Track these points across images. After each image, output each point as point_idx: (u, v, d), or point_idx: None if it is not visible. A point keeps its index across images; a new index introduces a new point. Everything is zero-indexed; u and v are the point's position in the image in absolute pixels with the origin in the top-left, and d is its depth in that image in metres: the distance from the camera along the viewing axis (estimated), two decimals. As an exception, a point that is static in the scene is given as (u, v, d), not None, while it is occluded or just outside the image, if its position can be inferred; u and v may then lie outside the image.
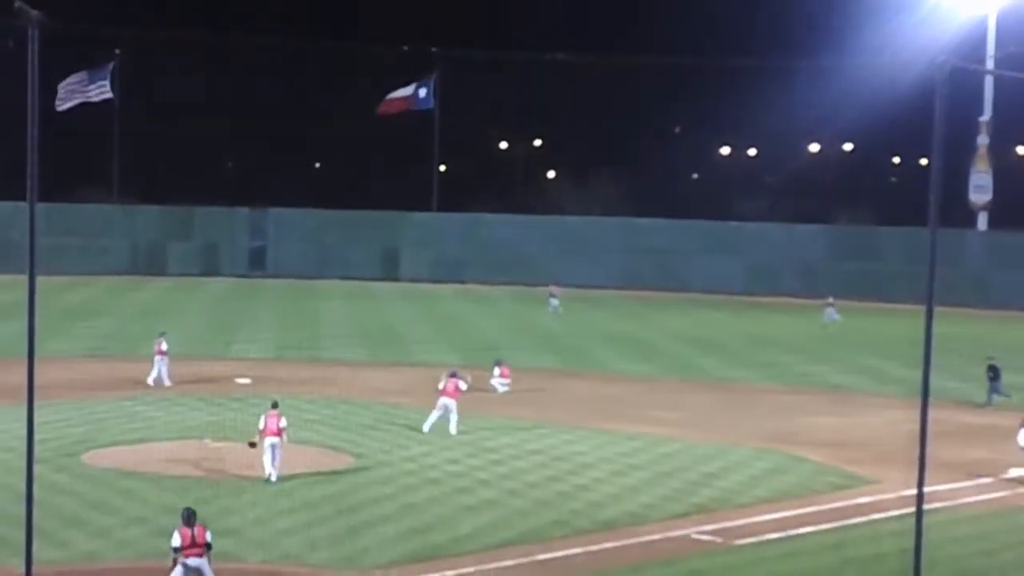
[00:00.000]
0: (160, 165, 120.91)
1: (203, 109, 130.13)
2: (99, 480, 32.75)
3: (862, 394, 51.74)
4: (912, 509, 22.30)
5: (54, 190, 72.26)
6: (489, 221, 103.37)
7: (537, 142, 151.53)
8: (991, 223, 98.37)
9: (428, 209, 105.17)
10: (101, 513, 29.36)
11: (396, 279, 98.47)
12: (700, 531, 29.58)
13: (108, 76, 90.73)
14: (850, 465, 37.28)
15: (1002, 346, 63.93)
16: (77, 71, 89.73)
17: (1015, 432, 36.93)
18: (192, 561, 22.27)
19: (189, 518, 22.51)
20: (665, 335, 70.15)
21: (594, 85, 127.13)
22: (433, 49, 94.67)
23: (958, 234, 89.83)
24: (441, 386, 40.27)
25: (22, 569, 20.14)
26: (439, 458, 36.40)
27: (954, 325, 65.34)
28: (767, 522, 30.56)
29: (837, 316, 77.39)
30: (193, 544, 22.29)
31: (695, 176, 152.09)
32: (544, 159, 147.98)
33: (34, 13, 18.68)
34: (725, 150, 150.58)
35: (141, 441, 37.84)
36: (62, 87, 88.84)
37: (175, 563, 22.37)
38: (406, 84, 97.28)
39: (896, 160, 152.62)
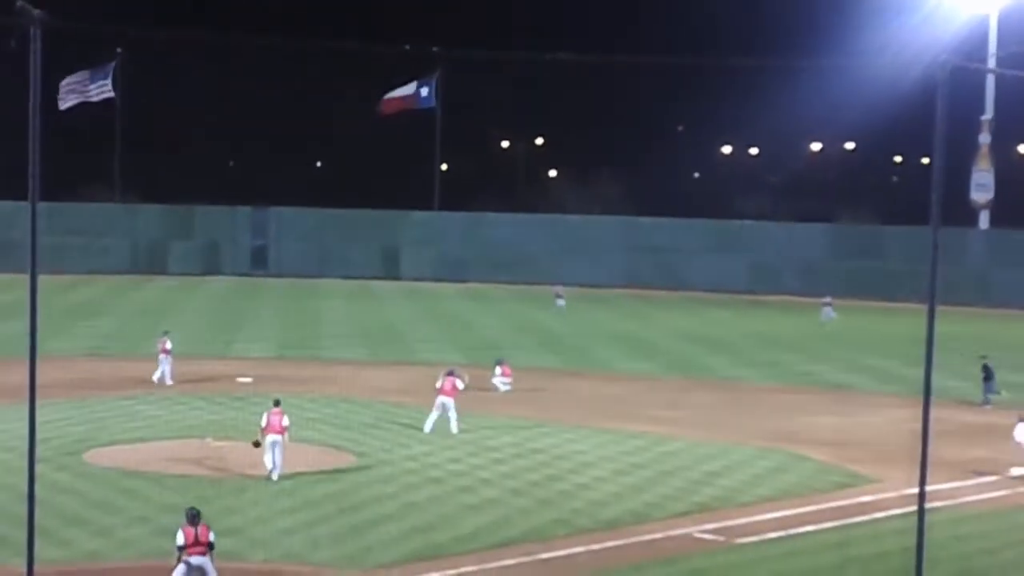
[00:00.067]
0: (161, 164, 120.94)
1: (204, 108, 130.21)
2: (101, 479, 32.76)
3: (864, 393, 51.72)
4: (914, 508, 22.28)
5: (56, 189, 72.37)
6: (491, 220, 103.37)
7: (539, 141, 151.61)
8: (993, 222, 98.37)
9: (430, 208, 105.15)
10: (103, 512, 29.36)
11: (397, 278, 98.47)
12: (702, 530, 29.58)
13: (110, 75, 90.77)
14: (852, 464, 37.28)
15: (1004, 345, 64.04)
16: (79, 70, 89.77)
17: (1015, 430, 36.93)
18: (195, 559, 22.38)
19: (193, 517, 22.62)
20: (667, 334, 70.15)
21: (596, 84, 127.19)
22: (435, 48, 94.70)
23: (960, 233, 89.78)
24: (439, 385, 40.28)
25: (24, 568, 20.13)
26: (441, 457, 36.41)
27: (956, 324, 65.30)
28: (769, 521, 30.56)
29: (833, 315, 77.50)
30: (196, 543, 22.40)
31: (697, 175, 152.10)
32: (546, 158, 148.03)
33: (36, 12, 18.67)
34: (727, 149, 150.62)
35: (143, 440, 37.85)
36: (63, 85, 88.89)
37: (179, 561, 22.51)
38: (407, 83, 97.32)
39: (898, 159, 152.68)
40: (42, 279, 19.79)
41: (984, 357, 48.97)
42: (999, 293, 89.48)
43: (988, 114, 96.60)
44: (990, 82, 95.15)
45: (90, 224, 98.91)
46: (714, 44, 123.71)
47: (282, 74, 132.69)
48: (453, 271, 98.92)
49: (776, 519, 30.76)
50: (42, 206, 20.04)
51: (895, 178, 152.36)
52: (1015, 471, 36.16)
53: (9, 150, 48.41)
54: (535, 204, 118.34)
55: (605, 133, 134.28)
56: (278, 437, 32.82)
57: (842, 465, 37.20)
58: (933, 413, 21.90)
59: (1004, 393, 48.04)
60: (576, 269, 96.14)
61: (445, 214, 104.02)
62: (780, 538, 29.20)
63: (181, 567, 22.42)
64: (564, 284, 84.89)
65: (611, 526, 29.63)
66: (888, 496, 32.67)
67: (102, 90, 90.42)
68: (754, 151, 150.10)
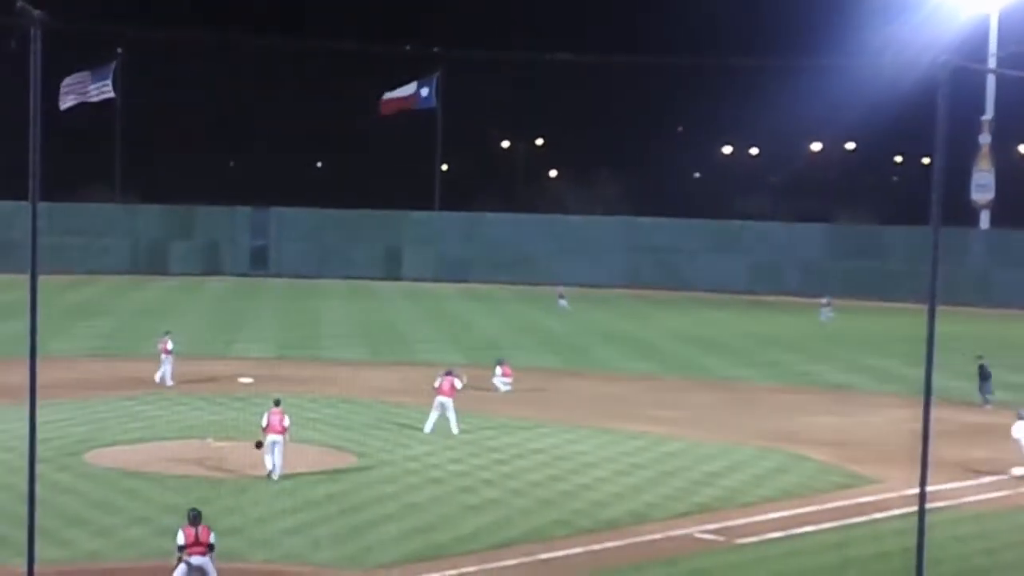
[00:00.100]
0: (162, 164, 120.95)
1: (204, 108, 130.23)
2: (101, 479, 32.76)
3: (864, 393, 51.71)
4: (914, 508, 22.28)
5: (56, 189, 72.33)
6: (491, 220, 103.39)
7: (539, 141, 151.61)
8: (993, 222, 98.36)
9: (430, 208, 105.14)
10: (103, 512, 29.37)
11: (398, 278, 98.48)
12: (703, 530, 29.58)
13: (110, 76, 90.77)
14: (852, 464, 37.28)
15: (1004, 345, 64.08)
16: (79, 71, 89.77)
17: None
18: (195, 559, 22.42)
19: (195, 518, 22.68)
20: (667, 334, 70.14)
21: (596, 84, 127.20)
22: (435, 49, 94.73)
23: (960, 233, 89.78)
24: (437, 384, 40.29)
25: (24, 568, 20.13)
26: (442, 457, 36.41)
27: (956, 324, 65.27)
28: (770, 521, 30.56)
29: (831, 315, 77.55)
30: (197, 543, 22.44)
31: (697, 175, 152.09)
32: (546, 158, 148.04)
33: (36, 13, 18.68)
34: (727, 149, 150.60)
35: (143, 440, 37.86)
36: (64, 86, 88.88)
37: (179, 561, 22.55)
38: (408, 83, 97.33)
39: (898, 159, 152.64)
40: (42, 279, 19.80)
41: (980, 357, 48.94)
42: (1000, 293, 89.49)
43: (989, 114, 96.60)
44: (991, 82, 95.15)
45: (90, 224, 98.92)
46: (714, 44, 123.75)
47: (282, 74, 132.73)
48: (454, 271, 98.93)
49: (777, 519, 30.76)
50: (42, 206, 20.06)
51: (895, 178, 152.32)
52: (1016, 471, 36.15)
53: (9, 150, 48.41)
54: (535, 204, 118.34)
55: (605, 133, 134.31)
56: (279, 437, 32.82)
57: (842, 465, 37.19)
58: (933, 413, 21.89)
59: (995, 393, 48.02)
60: (576, 269, 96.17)
61: (445, 214, 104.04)
62: (781, 538, 29.20)
63: (182, 567, 22.47)
64: (564, 284, 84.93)
65: (612, 526, 29.63)
66: (888, 496, 32.67)
67: (102, 90, 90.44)
68: (755, 151, 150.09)
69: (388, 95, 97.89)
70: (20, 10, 18.51)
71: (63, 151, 73.53)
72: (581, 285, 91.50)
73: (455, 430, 39.54)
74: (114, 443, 37.20)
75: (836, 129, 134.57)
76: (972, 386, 48.90)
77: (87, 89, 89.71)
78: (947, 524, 29.43)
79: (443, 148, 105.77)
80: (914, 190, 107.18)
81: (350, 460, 35.88)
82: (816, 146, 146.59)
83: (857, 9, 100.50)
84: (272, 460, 32.80)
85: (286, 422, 33.06)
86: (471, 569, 26.04)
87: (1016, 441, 36.22)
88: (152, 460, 34.84)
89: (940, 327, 21.86)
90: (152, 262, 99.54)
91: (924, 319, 21.67)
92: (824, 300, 79.35)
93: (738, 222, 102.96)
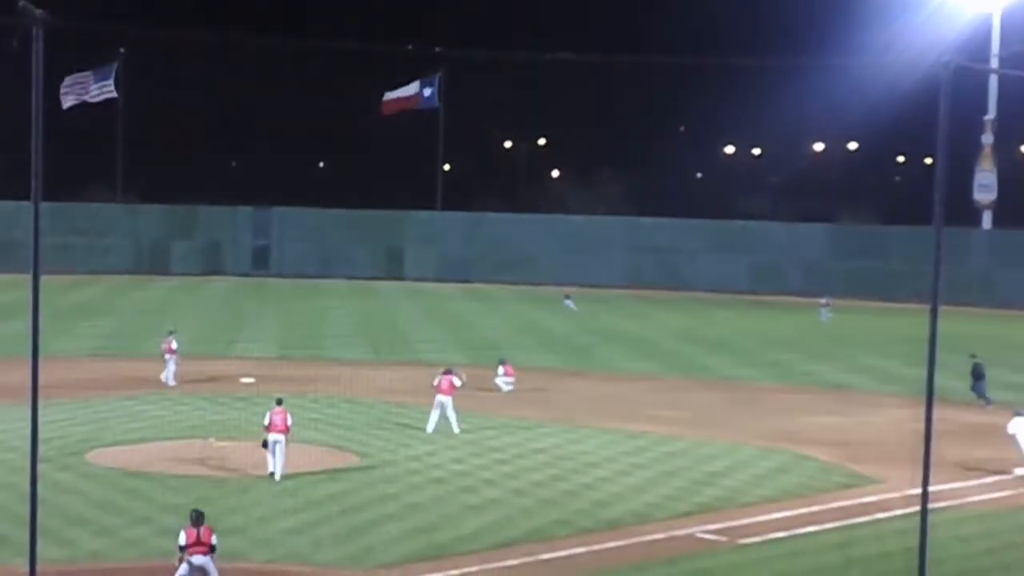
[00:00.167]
0: (163, 164, 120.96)
1: (206, 108, 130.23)
2: (103, 479, 32.76)
3: (866, 393, 51.70)
4: (916, 508, 22.29)
5: (58, 189, 72.38)
6: (493, 220, 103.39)
7: (541, 141, 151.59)
8: (995, 222, 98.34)
9: (432, 208, 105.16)
10: (105, 512, 29.37)
11: (400, 278, 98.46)
12: (704, 530, 29.57)
13: (112, 75, 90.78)
14: (854, 464, 37.27)
15: (1007, 345, 64.06)
16: (81, 70, 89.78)
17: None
18: (196, 559, 22.46)
19: (197, 519, 22.75)
20: (668, 334, 70.14)
21: (598, 84, 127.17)
22: (437, 49, 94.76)
23: (963, 233, 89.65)
24: (436, 383, 40.30)
25: (26, 568, 20.14)
26: (443, 457, 36.41)
27: (958, 324, 65.15)
28: (772, 521, 30.55)
29: (830, 315, 77.59)
30: (198, 543, 22.49)
31: (699, 175, 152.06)
32: (548, 158, 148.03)
33: (38, 12, 18.69)
34: (729, 149, 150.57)
35: (145, 440, 37.86)
36: (66, 84, 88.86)
37: (181, 561, 22.60)
38: (410, 83, 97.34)
39: (900, 159, 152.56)
40: (44, 279, 19.81)
41: (974, 357, 48.92)
42: (1002, 293, 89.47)
43: (991, 114, 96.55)
44: (993, 82, 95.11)
45: (92, 224, 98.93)
46: (716, 44, 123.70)
47: (284, 74, 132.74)
48: (456, 271, 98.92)
49: (778, 519, 30.75)
50: (44, 206, 20.07)
51: (898, 178, 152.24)
52: (1018, 471, 36.14)
53: (11, 150, 48.40)
54: (537, 204, 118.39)
55: (607, 133, 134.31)
56: (281, 436, 32.82)
57: (844, 465, 37.18)
58: (935, 413, 21.89)
59: (989, 394, 48.08)
60: (578, 269, 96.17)
61: (447, 214, 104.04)
62: (782, 538, 29.19)
63: (183, 567, 22.52)
64: (565, 284, 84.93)
65: (613, 526, 29.63)
66: (891, 496, 32.66)
67: (105, 90, 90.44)
68: (757, 151, 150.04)
69: (390, 95, 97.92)
70: (22, 9, 18.53)
71: (65, 151, 73.46)
72: (583, 285, 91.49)
73: (455, 429, 39.56)
74: (116, 443, 37.21)
75: (838, 129, 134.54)
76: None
77: (89, 89, 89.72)
78: (949, 524, 29.43)
79: (445, 148, 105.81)
80: (916, 190, 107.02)
81: (352, 460, 35.88)
82: (818, 146, 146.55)
83: (859, 9, 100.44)
84: (274, 460, 32.80)
85: (289, 421, 33.06)
86: (473, 569, 26.04)
87: (1012, 437, 36.28)
88: (154, 460, 34.85)
89: (942, 327, 21.87)
90: (154, 262, 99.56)
91: (926, 319, 21.67)
92: (823, 300, 79.40)
93: (740, 222, 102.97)
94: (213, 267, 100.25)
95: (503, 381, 49.00)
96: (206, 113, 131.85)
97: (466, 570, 25.96)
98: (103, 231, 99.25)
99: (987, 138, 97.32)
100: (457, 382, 40.48)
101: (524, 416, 43.41)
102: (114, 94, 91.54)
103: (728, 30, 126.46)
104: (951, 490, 33.42)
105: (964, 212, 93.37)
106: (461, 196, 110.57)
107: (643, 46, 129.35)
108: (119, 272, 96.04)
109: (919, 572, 22.07)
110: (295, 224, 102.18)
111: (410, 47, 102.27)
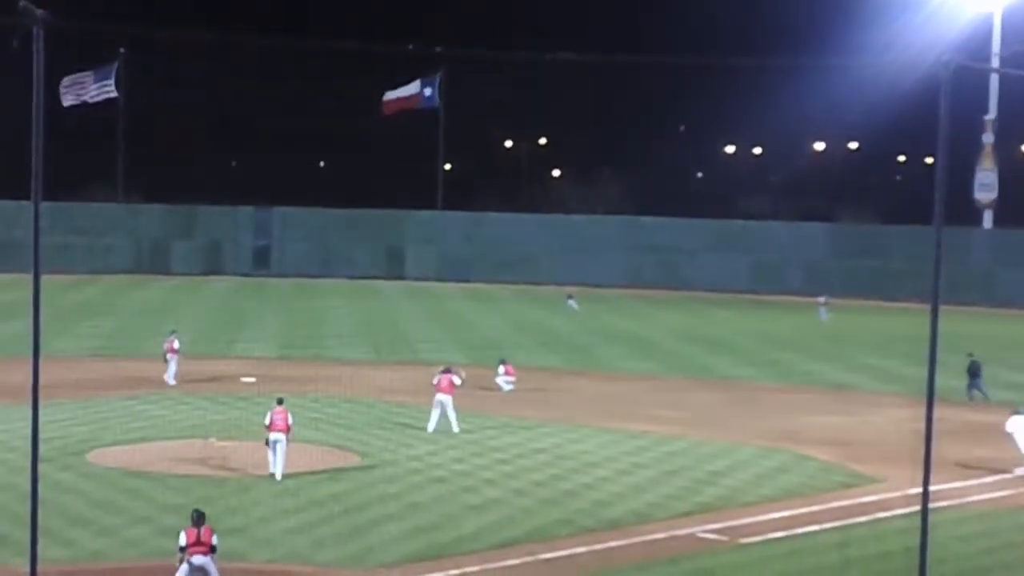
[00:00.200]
0: (164, 164, 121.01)
1: (207, 108, 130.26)
2: (104, 479, 32.76)
3: (866, 392, 51.69)
4: (917, 507, 22.29)
5: (58, 189, 72.37)
6: (493, 220, 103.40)
7: (542, 141, 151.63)
8: (996, 221, 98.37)
9: (433, 208, 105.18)
10: (106, 512, 29.37)
11: (401, 278, 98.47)
12: (705, 530, 29.57)
13: (113, 75, 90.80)
14: (855, 464, 37.26)
15: (1007, 344, 64.05)
16: (82, 70, 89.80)
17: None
18: (197, 559, 22.46)
19: (198, 519, 22.76)
20: (669, 333, 70.13)
21: (598, 84, 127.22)
22: (437, 49, 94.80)
23: (963, 232, 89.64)
24: (435, 382, 40.31)
25: (27, 568, 20.14)
26: (444, 457, 36.41)
27: (959, 323, 65.17)
28: (772, 520, 30.54)
29: (827, 313, 77.65)
30: (198, 543, 22.49)
31: (699, 174, 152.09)
32: (549, 158, 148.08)
33: (39, 12, 18.69)
34: (730, 148, 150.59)
35: (146, 440, 37.83)
36: (66, 83, 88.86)
37: (181, 561, 22.61)
38: (410, 83, 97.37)
39: (901, 158, 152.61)
40: (45, 279, 19.81)
41: (971, 355, 48.92)
42: (1003, 293, 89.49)
43: (992, 113, 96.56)
44: (994, 81, 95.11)
45: (93, 224, 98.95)
46: (716, 43, 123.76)
47: (284, 74, 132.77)
48: (457, 270, 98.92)
49: (779, 519, 30.74)
50: (45, 206, 20.07)
51: (898, 177, 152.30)
52: (1018, 471, 36.13)
53: (11, 150, 48.42)
54: (538, 204, 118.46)
55: (607, 133, 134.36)
56: (282, 436, 32.82)
57: (845, 465, 37.18)
58: (936, 412, 21.88)
59: (978, 394, 48.17)
60: (578, 269, 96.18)
61: (448, 214, 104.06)
62: (784, 538, 29.19)
63: (184, 567, 22.53)
64: (566, 284, 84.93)
65: (614, 526, 29.63)
66: (891, 496, 32.65)
67: (103, 90, 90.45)
68: (758, 150, 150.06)
69: (390, 95, 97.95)
70: (23, 9, 18.53)
71: (65, 151, 73.50)
72: (583, 285, 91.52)
73: (455, 428, 39.56)
74: (117, 443, 37.19)
75: (839, 128, 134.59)
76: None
77: (88, 89, 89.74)
78: (949, 523, 29.43)
79: (445, 148, 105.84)
80: (917, 189, 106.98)
81: (352, 460, 35.88)
82: (819, 145, 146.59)
83: (860, 8, 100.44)
84: (275, 460, 32.80)
85: (290, 420, 33.06)
86: (473, 569, 26.04)
87: (1010, 436, 36.29)
88: (154, 460, 34.84)
89: (943, 327, 21.87)
90: (154, 262, 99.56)
91: (927, 319, 21.66)
92: (822, 299, 79.39)
93: (740, 222, 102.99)
94: (214, 267, 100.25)
95: (504, 381, 49.00)
96: (206, 113, 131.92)
97: (467, 570, 25.96)
98: (103, 231, 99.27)
99: (988, 137, 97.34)
100: (457, 380, 40.48)
101: (525, 416, 43.41)
102: (114, 94, 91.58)
103: (728, 30, 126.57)
104: (951, 489, 33.41)
105: (965, 211, 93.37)
106: (461, 196, 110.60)
107: (643, 46, 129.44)
108: (119, 272, 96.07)
109: (920, 571, 22.07)
110: (296, 224, 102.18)
111: (410, 47, 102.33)
